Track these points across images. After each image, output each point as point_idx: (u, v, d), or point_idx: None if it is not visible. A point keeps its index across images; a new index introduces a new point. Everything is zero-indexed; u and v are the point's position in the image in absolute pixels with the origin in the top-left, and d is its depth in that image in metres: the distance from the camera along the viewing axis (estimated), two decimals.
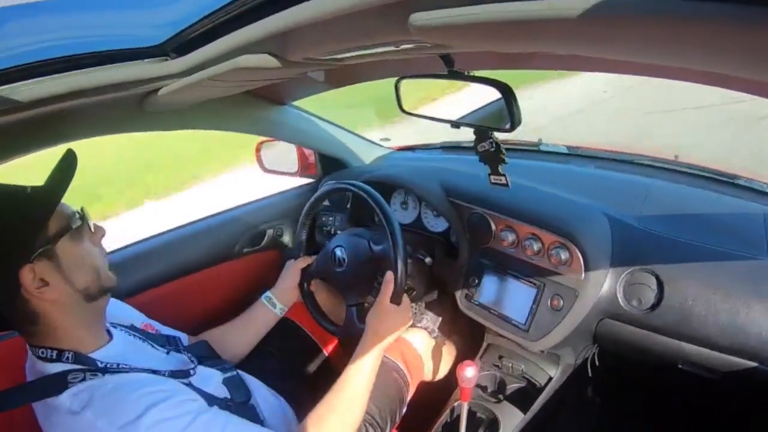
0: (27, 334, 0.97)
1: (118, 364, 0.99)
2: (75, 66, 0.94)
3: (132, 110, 1.24)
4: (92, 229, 1.06)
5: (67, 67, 0.93)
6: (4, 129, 0.99)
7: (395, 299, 1.32)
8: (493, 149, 1.12)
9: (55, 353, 0.95)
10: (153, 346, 1.18)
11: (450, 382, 1.61)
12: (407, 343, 1.60)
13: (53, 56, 0.92)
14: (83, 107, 1.04)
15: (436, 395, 1.59)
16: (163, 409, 0.90)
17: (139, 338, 1.17)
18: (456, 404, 1.46)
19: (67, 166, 0.98)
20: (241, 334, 1.55)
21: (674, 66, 0.53)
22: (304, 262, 1.63)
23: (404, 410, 1.49)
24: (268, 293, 1.60)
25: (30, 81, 0.89)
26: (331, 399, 1.16)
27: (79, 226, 1.00)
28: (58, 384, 0.91)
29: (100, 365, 0.97)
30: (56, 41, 0.94)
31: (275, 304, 1.58)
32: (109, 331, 1.09)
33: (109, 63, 0.98)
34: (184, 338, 1.38)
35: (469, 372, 1.25)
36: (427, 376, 1.65)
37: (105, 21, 1.01)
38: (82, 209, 1.03)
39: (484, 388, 1.57)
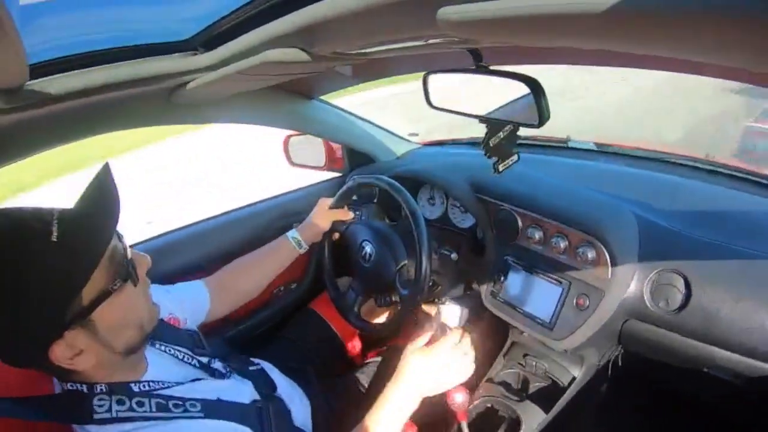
0: (57, 376, 0.90)
1: (149, 382, 0.93)
2: (105, 60, 0.96)
3: (161, 104, 1.26)
4: (137, 272, 0.88)
5: (98, 61, 0.95)
6: (36, 121, 1.01)
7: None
8: (506, 135, 1.09)
9: (85, 387, 0.86)
10: (183, 361, 1.10)
11: (476, 380, 1.62)
12: None
13: (84, 50, 0.94)
14: (113, 100, 1.05)
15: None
16: None
17: (170, 354, 1.09)
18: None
19: (102, 191, 0.81)
20: (261, 267, 1.54)
21: (709, 62, 0.52)
22: (340, 214, 1.62)
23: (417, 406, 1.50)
24: (294, 232, 1.58)
25: (62, 74, 0.91)
26: None
27: (120, 286, 0.82)
28: (81, 405, 0.85)
29: (134, 389, 0.90)
30: (87, 36, 0.96)
31: (301, 244, 1.57)
32: (146, 360, 1.01)
33: (139, 57, 1.00)
34: (203, 303, 1.38)
35: (459, 398, 1.25)
36: None
37: (135, 16, 1.02)
38: (125, 253, 0.86)
39: (507, 386, 1.57)
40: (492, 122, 1.10)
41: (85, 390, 0.85)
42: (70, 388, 0.86)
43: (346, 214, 1.63)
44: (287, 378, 1.35)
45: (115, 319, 0.82)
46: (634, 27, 0.44)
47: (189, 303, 1.31)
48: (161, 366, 1.02)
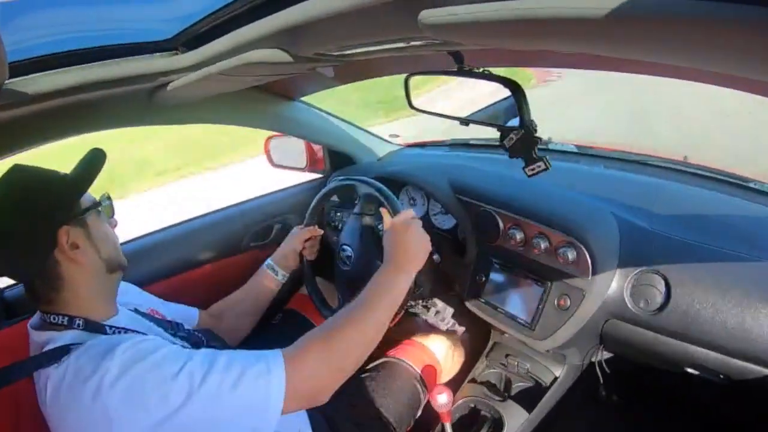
0: (46, 302, 1.02)
1: (125, 329, 1.06)
2: (85, 59, 0.95)
3: (142, 104, 1.25)
4: (112, 216, 1.16)
5: (78, 60, 0.94)
6: (16, 120, 1.00)
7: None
8: (519, 136, 1.03)
9: (66, 319, 1.00)
10: (158, 326, 1.19)
11: (459, 380, 1.64)
12: (428, 351, 1.63)
13: (64, 49, 0.93)
14: (93, 100, 1.05)
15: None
16: (140, 340, 0.95)
17: (144, 318, 1.19)
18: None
19: (94, 160, 1.08)
20: (245, 303, 1.57)
21: (689, 67, 0.52)
22: (309, 233, 1.62)
23: (419, 414, 1.51)
24: (269, 260, 1.60)
25: (41, 73, 0.90)
26: (342, 316, 1.10)
27: (106, 207, 1.12)
28: (60, 354, 0.94)
29: (108, 330, 1.03)
30: (67, 34, 0.95)
31: (277, 271, 1.58)
32: (117, 309, 1.13)
33: (119, 57, 0.99)
34: (193, 316, 1.43)
35: (442, 399, 1.26)
36: (442, 379, 1.67)
37: (115, 15, 1.02)
38: (108, 194, 1.14)
39: (489, 387, 1.57)
40: (476, 124, 1.10)
41: (65, 322, 1.00)
42: (53, 320, 1.00)
43: (313, 231, 1.63)
44: None
45: (101, 230, 1.08)
46: (617, 31, 0.45)
47: (178, 313, 1.39)
48: (132, 320, 1.14)
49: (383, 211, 1.34)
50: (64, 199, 1.03)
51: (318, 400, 1.02)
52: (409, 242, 1.22)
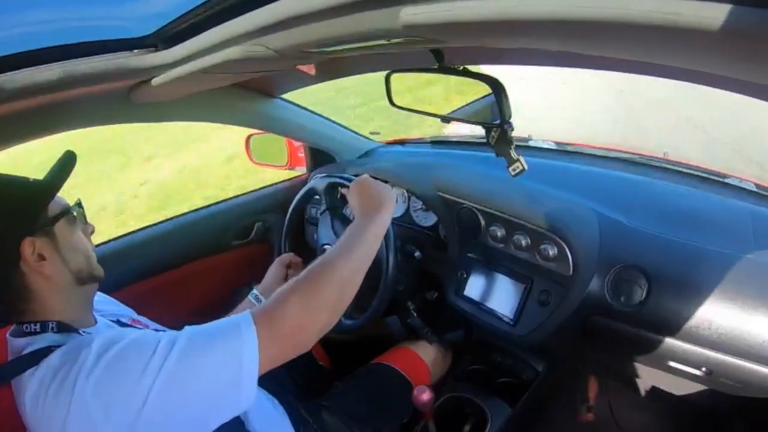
0: (17, 313, 0.99)
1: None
2: (62, 56, 0.94)
3: (121, 102, 1.23)
4: (86, 223, 1.11)
5: (55, 58, 0.92)
6: None
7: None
8: (497, 134, 1.07)
9: (38, 325, 0.97)
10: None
11: (443, 378, 1.66)
12: (416, 356, 1.63)
13: (40, 46, 0.91)
14: (71, 98, 1.03)
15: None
16: (114, 330, 0.97)
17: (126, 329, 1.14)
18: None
19: (66, 164, 1.04)
20: None
21: (665, 65, 0.53)
22: (289, 257, 1.60)
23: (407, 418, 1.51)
24: (254, 290, 1.55)
25: (16, 71, 0.88)
26: (313, 263, 1.08)
27: (76, 214, 1.06)
28: (37, 357, 0.92)
29: (83, 333, 0.99)
30: (44, 31, 0.93)
31: (261, 300, 1.53)
32: (95, 319, 1.10)
33: (97, 54, 0.98)
34: None
35: (423, 396, 1.26)
36: (430, 381, 1.66)
37: (93, 11, 1.00)
38: (80, 201, 1.09)
39: (473, 383, 1.58)
40: (457, 122, 1.10)
41: (37, 329, 0.97)
42: (25, 329, 0.97)
43: (295, 259, 1.61)
44: (269, 396, 1.34)
45: (71, 240, 1.03)
46: (599, 31, 0.45)
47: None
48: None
49: (344, 191, 1.35)
50: (29, 208, 0.99)
51: (301, 342, 1.00)
52: (366, 192, 1.24)
